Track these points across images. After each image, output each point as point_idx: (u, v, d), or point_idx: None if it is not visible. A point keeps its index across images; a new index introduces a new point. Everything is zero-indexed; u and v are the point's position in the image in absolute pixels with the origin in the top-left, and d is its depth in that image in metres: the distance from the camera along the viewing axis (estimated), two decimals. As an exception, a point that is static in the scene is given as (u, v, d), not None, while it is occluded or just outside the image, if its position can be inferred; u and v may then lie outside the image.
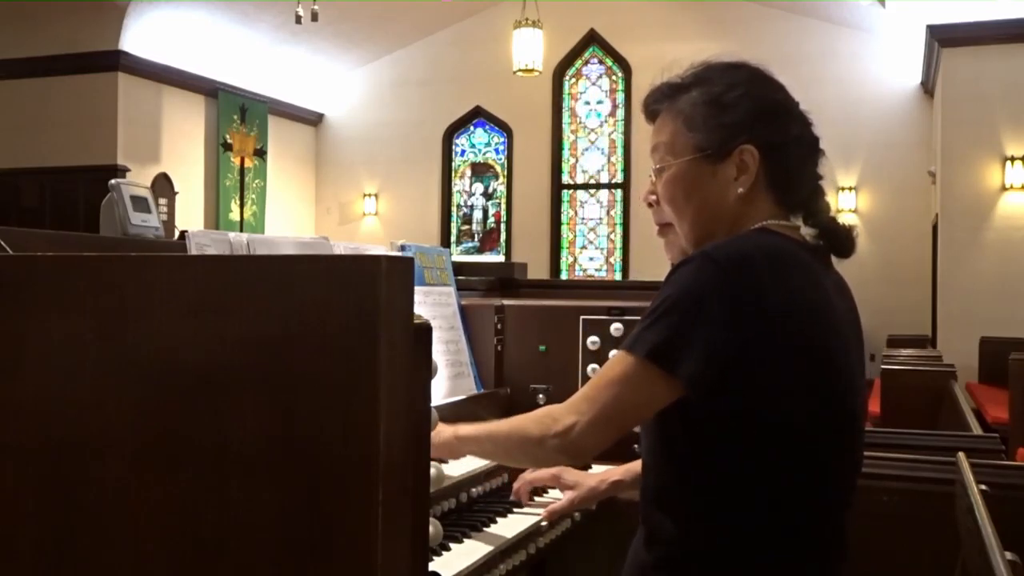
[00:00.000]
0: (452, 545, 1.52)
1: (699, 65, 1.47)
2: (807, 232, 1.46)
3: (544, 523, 1.72)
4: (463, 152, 13.03)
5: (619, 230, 12.28)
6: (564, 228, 12.57)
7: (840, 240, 1.44)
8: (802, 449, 1.31)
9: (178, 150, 10.89)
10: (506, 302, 2.44)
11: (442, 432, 1.55)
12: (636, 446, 1.47)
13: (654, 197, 1.48)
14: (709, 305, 1.25)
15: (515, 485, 1.82)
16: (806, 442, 1.31)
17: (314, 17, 8.72)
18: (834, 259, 1.49)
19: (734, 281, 1.26)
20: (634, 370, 1.29)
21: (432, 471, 1.36)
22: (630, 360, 1.29)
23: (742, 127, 1.39)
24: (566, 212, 12.56)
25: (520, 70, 9.17)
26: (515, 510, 1.77)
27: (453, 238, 12.98)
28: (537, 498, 1.84)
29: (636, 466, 1.52)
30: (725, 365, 1.25)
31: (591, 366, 2.26)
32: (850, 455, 1.39)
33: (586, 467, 1.86)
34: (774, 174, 1.40)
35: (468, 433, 1.53)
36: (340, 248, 1.95)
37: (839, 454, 1.36)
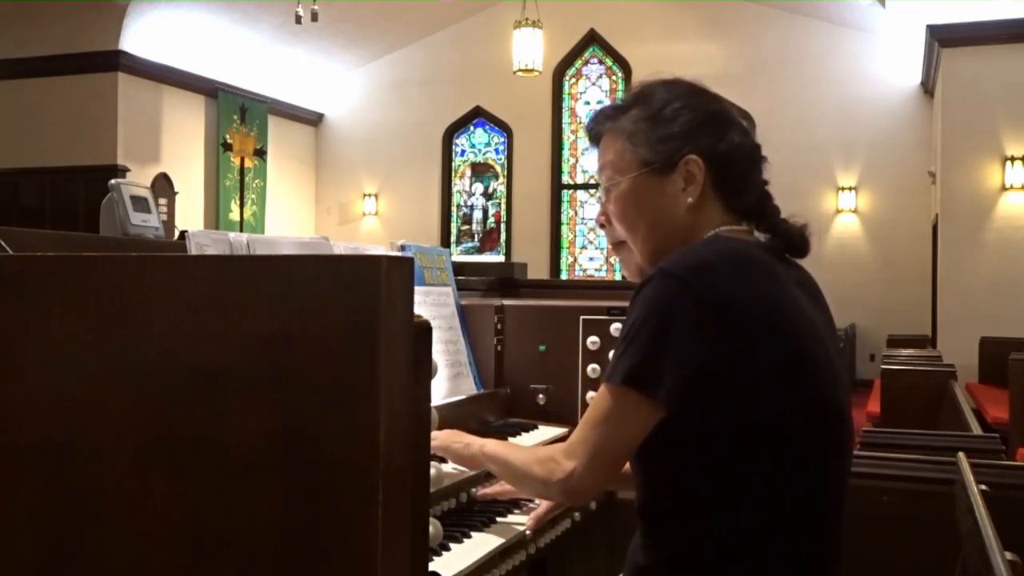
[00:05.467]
0: (452, 545, 1.52)
1: (636, 86, 1.53)
2: (760, 236, 1.48)
3: (528, 532, 1.70)
4: (463, 152, 13.04)
5: (619, 230, 12.27)
6: (564, 228, 12.58)
7: (794, 240, 1.46)
8: (789, 444, 1.31)
9: (178, 150, 10.89)
10: (506, 302, 2.43)
11: (471, 446, 1.61)
12: None
13: (604, 217, 1.52)
14: (675, 320, 1.27)
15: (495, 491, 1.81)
16: (792, 437, 1.31)
17: (314, 17, 8.73)
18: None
19: (696, 290, 1.27)
20: (617, 403, 1.31)
21: (432, 471, 1.36)
22: (611, 392, 1.32)
23: (684, 138, 1.43)
24: (566, 212, 12.56)
25: (520, 70, 9.17)
26: (515, 510, 1.77)
27: (453, 238, 12.99)
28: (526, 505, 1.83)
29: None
30: (700, 375, 1.26)
31: (591, 366, 2.26)
32: (838, 446, 1.39)
33: None
34: (720, 181, 1.43)
35: (492, 452, 1.58)
36: (340, 248, 1.95)
37: (827, 446, 1.36)
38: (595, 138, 1.54)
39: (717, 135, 1.44)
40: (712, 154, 1.43)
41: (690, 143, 1.42)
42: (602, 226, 1.54)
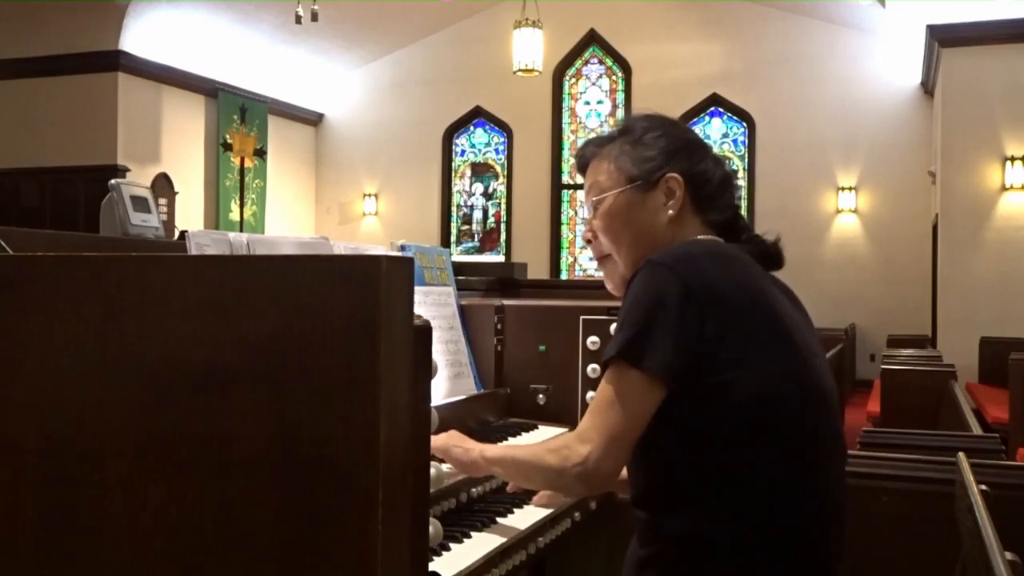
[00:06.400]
0: (452, 545, 1.52)
1: (620, 121, 1.70)
2: None
3: (533, 503, 1.75)
4: (463, 152, 13.04)
5: (619, 230, 12.26)
6: (564, 228, 12.58)
7: (768, 254, 1.56)
8: (782, 430, 1.34)
9: (178, 150, 10.89)
10: (506, 302, 2.43)
11: (471, 451, 1.62)
12: None
13: (591, 233, 1.63)
14: (665, 301, 1.34)
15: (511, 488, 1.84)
16: (784, 421, 1.35)
17: (314, 17, 8.73)
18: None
19: (682, 274, 1.36)
20: (618, 382, 1.36)
21: (432, 471, 1.36)
22: (611, 373, 1.37)
23: (664, 158, 1.57)
24: (566, 212, 12.56)
25: (520, 70, 9.17)
26: (515, 510, 1.77)
27: (453, 238, 12.99)
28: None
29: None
30: (692, 352, 1.32)
31: (591, 366, 2.26)
32: (830, 435, 1.42)
33: None
34: (698, 199, 1.56)
35: (494, 455, 1.60)
36: (340, 248, 1.95)
37: (820, 434, 1.40)
38: (583, 165, 1.67)
39: (694, 158, 1.58)
40: (689, 173, 1.56)
41: (669, 163, 1.56)
42: (588, 241, 1.66)
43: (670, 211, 1.54)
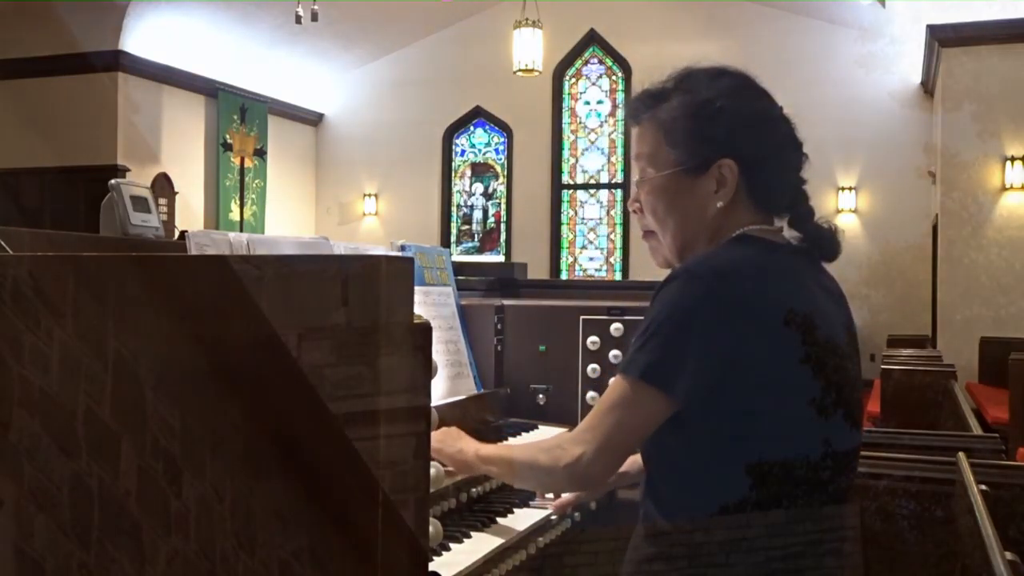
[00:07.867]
0: (452, 545, 1.52)
1: (681, 70, 1.48)
2: (791, 235, 1.48)
3: (554, 517, 1.75)
4: (463, 152, 13.03)
5: (619, 230, 12.29)
6: (564, 228, 12.57)
7: (825, 243, 1.47)
8: (795, 442, 1.33)
9: (178, 150, 10.88)
10: (506, 302, 2.44)
11: (465, 451, 1.61)
12: None
13: (638, 204, 1.52)
14: (696, 320, 1.29)
15: None
16: (800, 436, 1.33)
17: (314, 17, 8.73)
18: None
19: (718, 293, 1.30)
20: (631, 393, 1.33)
21: (432, 471, 1.36)
22: (626, 383, 1.34)
23: (720, 142, 1.41)
24: (566, 212, 12.56)
25: (520, 70, 9.17)
26: (515, 510, 1.77)
27: (453, 238, 12.98)
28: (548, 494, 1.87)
29: (639, 458, 1.53)
30: (716, 376, 1.29)
31: (591, 366, 2.26)
32: (837, 455, 1.40)
33: None
34: (754, 185, 1.43)
35: (488, 454, 1.58)
36: (340, 248, 1.95)
37: (826, 453, 1.38)
38: (635, 121, 1.52)
39: (756, 139, 1.42)
40: (747, 157, 1.41)
41: (725, 147, 1.41)
42: (634, 211, 1.54)
43: (720, 201, 1.41)
